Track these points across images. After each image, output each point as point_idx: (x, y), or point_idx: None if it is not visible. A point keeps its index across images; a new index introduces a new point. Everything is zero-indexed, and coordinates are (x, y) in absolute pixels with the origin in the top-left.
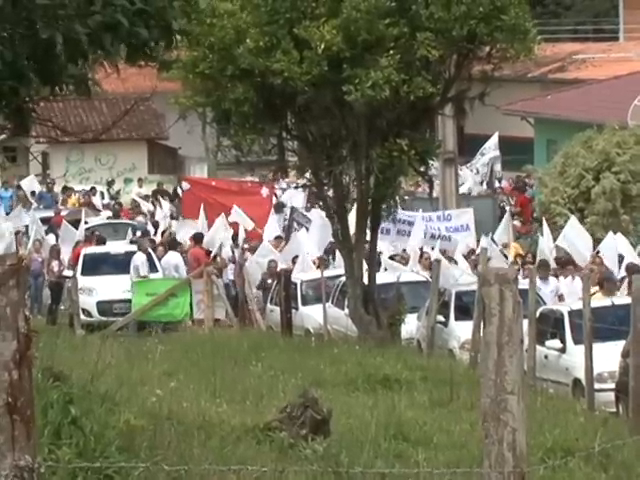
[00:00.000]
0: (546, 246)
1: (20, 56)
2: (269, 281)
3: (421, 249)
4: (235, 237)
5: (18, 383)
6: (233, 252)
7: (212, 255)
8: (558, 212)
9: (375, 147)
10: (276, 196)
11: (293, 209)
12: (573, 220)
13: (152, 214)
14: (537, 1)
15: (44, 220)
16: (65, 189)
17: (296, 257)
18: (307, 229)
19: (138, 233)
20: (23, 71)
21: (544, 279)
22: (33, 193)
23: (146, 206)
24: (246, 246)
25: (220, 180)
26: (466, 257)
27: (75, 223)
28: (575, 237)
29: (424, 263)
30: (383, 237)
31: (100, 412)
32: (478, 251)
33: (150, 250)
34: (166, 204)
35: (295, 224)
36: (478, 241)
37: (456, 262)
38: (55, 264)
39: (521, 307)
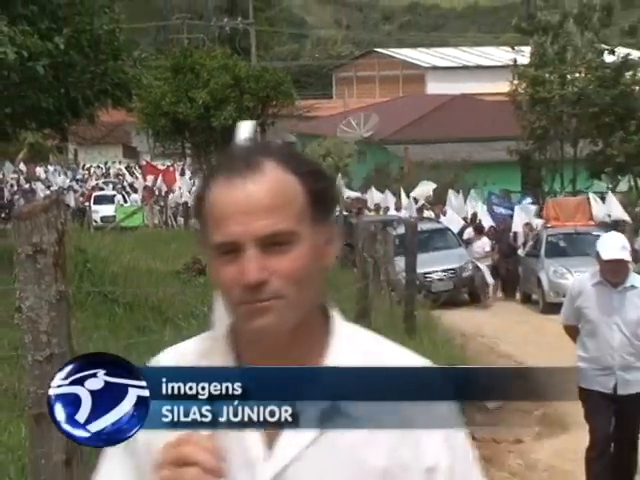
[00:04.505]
0: None
1: (62, 104)
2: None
3: None
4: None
5: (58, 252)
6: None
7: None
8: None
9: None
10: (174, 171)
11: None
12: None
13: (123, 178)
14: (295, 81)
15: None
16: (83, 166)
17: None
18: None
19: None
20: (63, 111)
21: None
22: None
23: (125, 174)
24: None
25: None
26: None
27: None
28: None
29: None
30: None
31: (101, 266)
32: None
33: (124, 193)
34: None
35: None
36: None
37: None
38: (81, 199)
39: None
